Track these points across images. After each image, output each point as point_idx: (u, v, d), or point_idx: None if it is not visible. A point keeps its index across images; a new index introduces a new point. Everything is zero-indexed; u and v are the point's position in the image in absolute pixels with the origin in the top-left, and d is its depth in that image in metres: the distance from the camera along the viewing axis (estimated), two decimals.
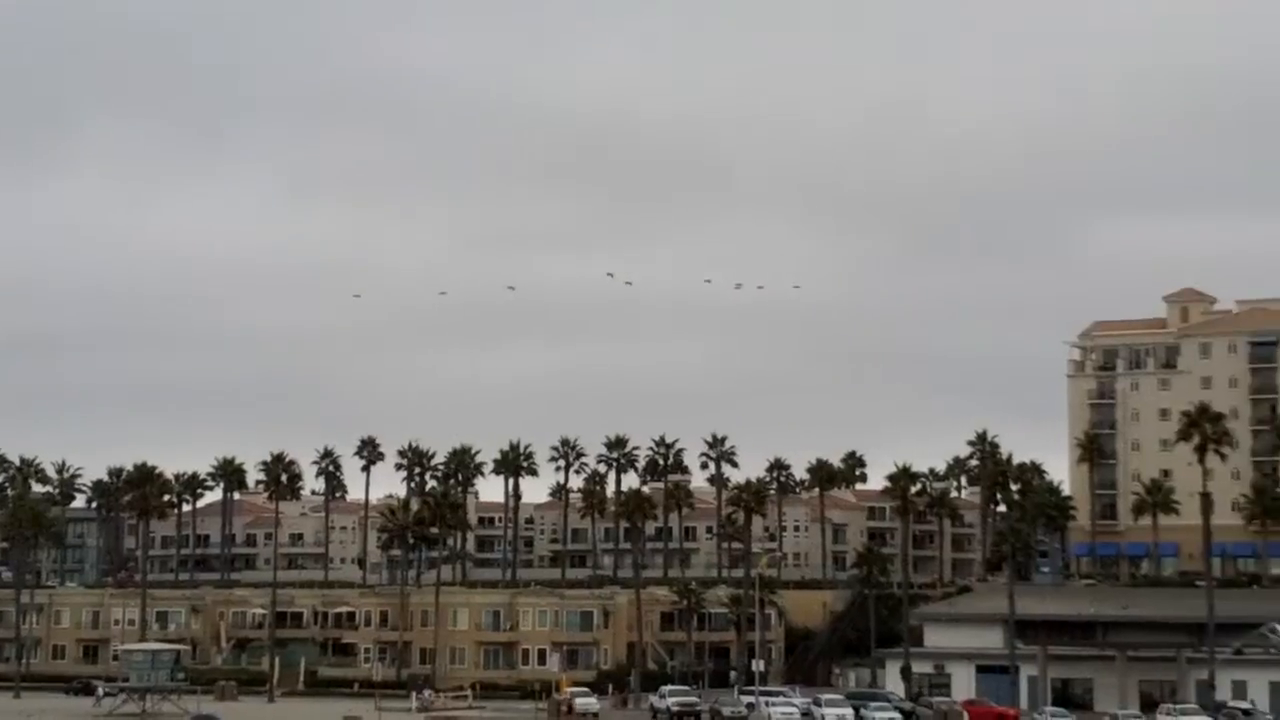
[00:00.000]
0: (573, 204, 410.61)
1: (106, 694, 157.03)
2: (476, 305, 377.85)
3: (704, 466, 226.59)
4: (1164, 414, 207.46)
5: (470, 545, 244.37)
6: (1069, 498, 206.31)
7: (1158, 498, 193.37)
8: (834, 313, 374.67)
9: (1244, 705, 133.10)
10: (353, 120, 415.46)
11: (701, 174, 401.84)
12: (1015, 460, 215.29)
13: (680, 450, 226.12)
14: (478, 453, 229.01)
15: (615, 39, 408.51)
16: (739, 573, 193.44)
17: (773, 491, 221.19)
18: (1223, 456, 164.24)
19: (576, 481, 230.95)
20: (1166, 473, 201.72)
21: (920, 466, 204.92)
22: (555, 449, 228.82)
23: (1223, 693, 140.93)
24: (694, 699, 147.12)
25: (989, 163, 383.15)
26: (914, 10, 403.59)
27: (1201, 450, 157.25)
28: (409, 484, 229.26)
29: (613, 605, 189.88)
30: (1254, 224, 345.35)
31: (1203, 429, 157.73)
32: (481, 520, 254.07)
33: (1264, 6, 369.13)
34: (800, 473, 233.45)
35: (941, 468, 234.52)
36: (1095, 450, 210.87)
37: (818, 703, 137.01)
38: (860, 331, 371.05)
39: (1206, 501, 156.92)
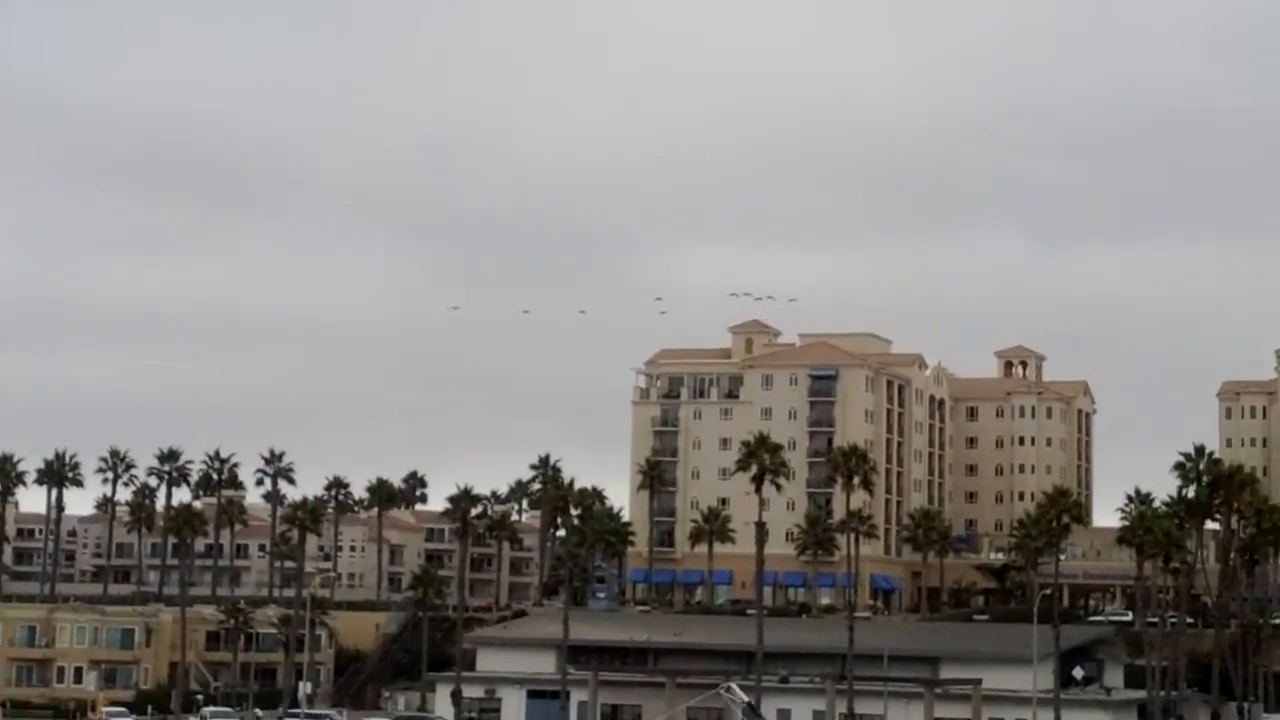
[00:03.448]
0: (131, 207, 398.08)
1: None
2: (24, 308, 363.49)
3: (260, 483, 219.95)
4: (725, 443, 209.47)
5: (7, 557, 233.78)
6: (628, 524, 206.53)
7: (714, 526, 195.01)
8: (403, 331, 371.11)
9: None
10: None
11: (273, 183, 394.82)
12: (578, 485, 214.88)
13: (236, 465, 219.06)
14: (20, 461, 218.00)
15: (196, 40, 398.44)
16: (291, 592, 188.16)
17: (330, 510, 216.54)
18: (778, 487, 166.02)
19: (125, 494, 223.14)
20: (724, 501, 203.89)
21: (483, 489, 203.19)
22: (103, 460, 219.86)
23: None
24: None
25: (565, 187, 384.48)
26: (498, 30, 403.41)
27: (759, 480, 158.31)
28: None
29: (156, 623, 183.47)
30: (818, 259, 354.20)
31: (761, 459, 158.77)
32: (21, 532, 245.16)
33: (841, 47, 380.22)
34: (360, 492, 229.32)
35: (504, 490, 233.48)
36: (656, 477, 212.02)
37: None
38: (429, 351, 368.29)
39: (761, 531, 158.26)
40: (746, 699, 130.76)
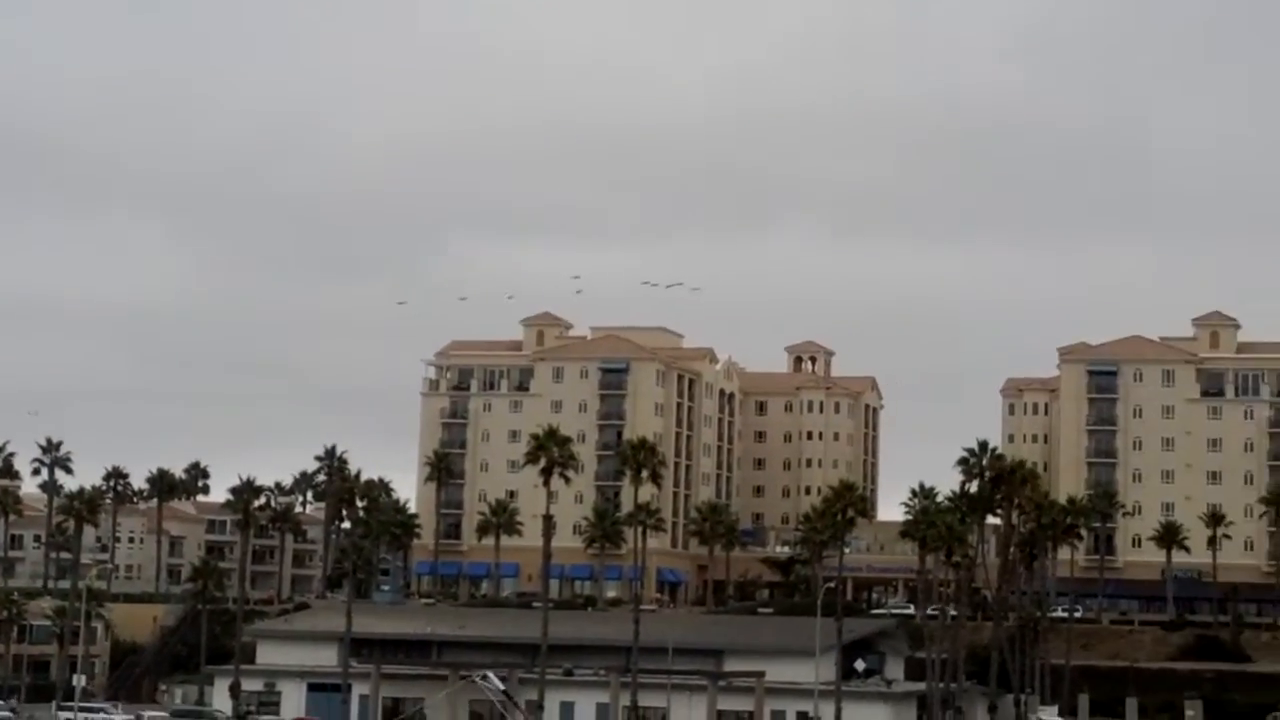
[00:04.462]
0: None
1: None
2: None
3: (36, 472, 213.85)
4: (514, 435, 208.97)
5: None
6: (414, 516, 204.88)
7: (502, 518, 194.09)
8: (190, 321, 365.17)
9: None
10: None
11: (60, 166, 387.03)
12: (364, 477, 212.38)
13: (11, 454, 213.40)
14: None
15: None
16: (66, 584, 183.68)
17: (108, 500, 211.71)
18: (567, 480, 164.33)
19: None
20: (513, 494, 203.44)
21: (268, 480, 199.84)
22: None
23: (551, 713, 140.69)
24: (8, 714, 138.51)
25: (369, 179, 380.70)
26: (313, 19, 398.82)
27: (547, 473, 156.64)
28: None
29: None
30: (611, 253, 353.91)
31: (550, 452, 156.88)
32: None
33: (646, 49, 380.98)
34: (140, 482, 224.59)
35: (289, 482, 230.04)
36: (444, 469, 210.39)
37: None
38: (216, 342, 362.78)
39: (548, 524, 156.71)
40: (502, 687, 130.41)
